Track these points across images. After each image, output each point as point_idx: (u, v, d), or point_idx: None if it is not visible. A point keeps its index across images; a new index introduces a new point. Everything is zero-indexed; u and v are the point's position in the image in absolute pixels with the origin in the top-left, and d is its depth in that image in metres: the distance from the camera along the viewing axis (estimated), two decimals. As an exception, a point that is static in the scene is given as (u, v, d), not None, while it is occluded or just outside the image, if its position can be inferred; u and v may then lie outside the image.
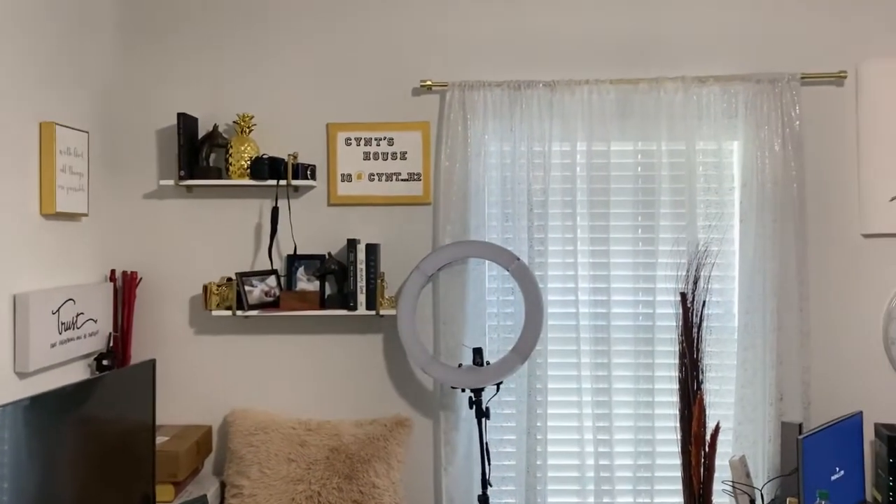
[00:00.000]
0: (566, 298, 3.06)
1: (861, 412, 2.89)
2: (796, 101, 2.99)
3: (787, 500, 2.38)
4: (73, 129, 2.74)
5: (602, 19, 3.09)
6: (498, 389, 2.92)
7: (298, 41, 3.12)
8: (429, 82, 3.05)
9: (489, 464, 2.85)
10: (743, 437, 2.99)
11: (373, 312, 2.96)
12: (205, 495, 2.68)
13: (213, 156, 3.09)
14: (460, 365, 2.95)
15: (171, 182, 3.01)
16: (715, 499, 2.81)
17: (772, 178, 2.98)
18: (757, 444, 2.98)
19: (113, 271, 3.05)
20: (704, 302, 2.85)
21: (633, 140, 3.05)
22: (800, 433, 2.76)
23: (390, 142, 3.09)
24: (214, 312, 2.99)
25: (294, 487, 2.87)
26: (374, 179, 3.10)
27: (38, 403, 2.09)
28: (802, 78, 3.00)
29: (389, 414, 3.07)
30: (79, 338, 2.75)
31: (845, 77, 3.03)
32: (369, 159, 3.10)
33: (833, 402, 3.03)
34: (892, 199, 3.05)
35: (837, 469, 2.72)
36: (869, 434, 2.99)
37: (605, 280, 3.04)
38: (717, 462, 2.76)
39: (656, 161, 3.04)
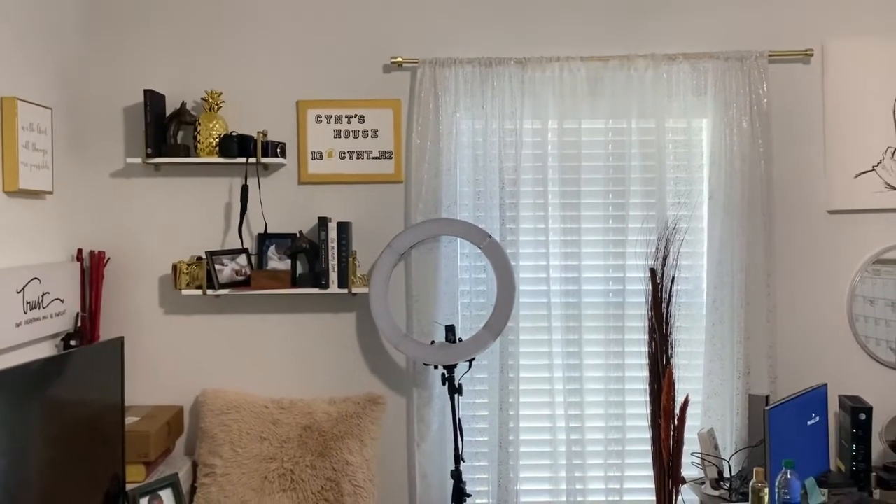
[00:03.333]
0: (538, 276, 3.07)
1: (826, 384, 2.95)
2: (764, 78, 3.02)
3: (755, 469, 2.42)
4: (36, 104, 2.68)
5: (573, -4, 3.09)
6: (470, 366, 2.93)
7: (268, 17, 3.08)
8: (399, 59, 3.04)
9: (462, 439, 2.87)
10: (711, 410, 3.04)
11: (345, 291, 2.96)
12: (175, 474, 2.67)
13: (181, 133, 3.05)
14: (433, 342, 2.95)
15: (138, 160, 2.97)
16: (684, 471, 2.86)
17: (740, 156, 3.01)
18: (725, 416, 3.03)
19: (80, 251, 3.00)
20: (673, 278, 2.88)
21: (603, 118, 3.07)
22: (767, 404, 2.81)
23: (361, 119, 3.07)
24: (184, 292, 2.96)
25: (267, 465, 2.87)
26: (344, 157, 3.08)
27: (1, 380, 2.06)
28: (770, 56, 3.03)
29: (362, 392, 3.07)
30: (45, 318, 2.71)
31: (812, 55, 3.07)
32: (340, 137, 3.08)
33: (799, 376, 3.09)
34: (858, 176, 3.10)
35: (803, 440, 2.78)
36: (833, 406, 3.06)
37: (576, 257, 3.06)
38: (686, 435, 2.80)
39: (627, 139, 3.05)
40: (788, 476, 2.35)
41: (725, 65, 3.02)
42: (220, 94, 3.01)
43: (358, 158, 3.08)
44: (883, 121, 3.08)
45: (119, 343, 2.60)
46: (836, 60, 3.08)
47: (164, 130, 3.00)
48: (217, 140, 2.97)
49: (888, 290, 3.10)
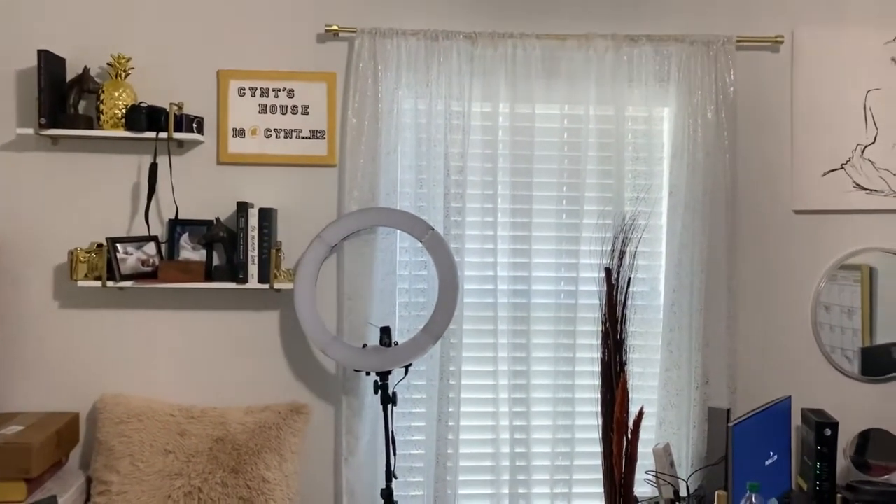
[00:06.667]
0: (484, 274, 2.80)
1: (790, 397, 2.75)
2: (731, 65, 2.80)
3: (717, 493, 2.19)
4: None
5: (529, -32, 2.82)
6: (406, 373, 2.65)
7: (186, -25, 2.73)
8: (335, 27, 2.72)
9: (394, 454, 2.58)
10: (667, 422, 2.82)
11: (266, 286, 2.63)
12: (54, 496, 2.30)
13: (83, 103, 2.68)
14: (365, 345, 2.65)
15: (30, 131, 2.59)
16: (637, 489, 2.64)
17: (703, 148, 2.79)
18: (681, 430, 2.81)
19: (-41, 234, 2.62)
20: (630, 279, 2.65)
21: (559, 103, 2.81)
22: (728, 419, 2.59)
23: (290, 94, 2.75)
24: (81, 283, 2.60)
25: (171, 482, 2.53)
26: (271, 136, 2.75)
27: None
28: (738, 41, 2.82)
29: (285, 400, 2.75)
30: None
31: (781, 42, 2.87)
32: (266, 113, 2.74)
33: (759, 387, 2.89)
34: (825, 174, 2.91)
35: (766, 458, 2.58)
36: (795, 420, 2.86)
37: (526, 254, 2.80)
38: (640, 449, 2.58)
39: (583, 127, 2.80)
40: (753, 501, 2.13)
41: (691, 49, 2.79)
42: (129, 59, 2.65)
43: (286, 137, 2.75)
44: (854, 116, 2.90)
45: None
46: (806, 49, 2.89)
47: (63, 99, 2.63)
48: (123, 111, 2.61)
49: (845, 296, 2.93)
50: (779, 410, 2.66)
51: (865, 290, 2.94)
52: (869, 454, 2.84)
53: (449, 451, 2.74)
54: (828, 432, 2.65)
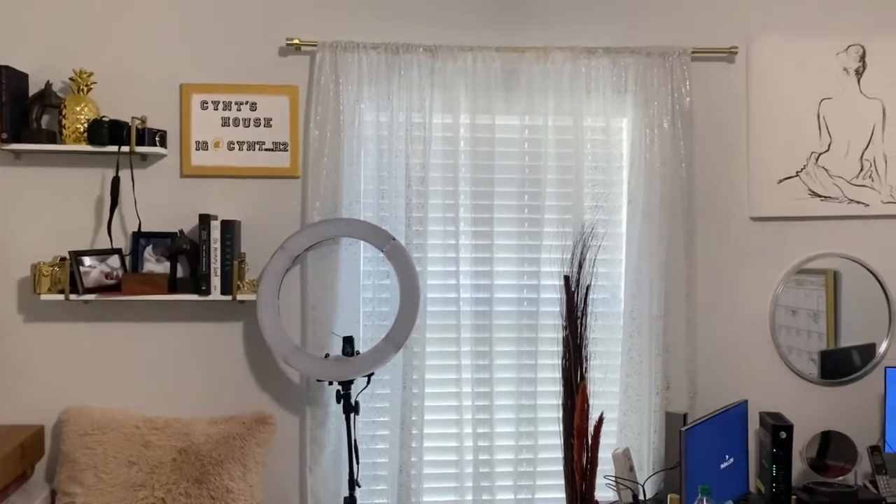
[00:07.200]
0: (446, 282, 2.84)
1: (746, 401, 2.80)
2: (687, 76, 2.86)
3: (669, 496, 2.24)
4: None
5: (488, -18, 2.87)
6: (369, 382, 2.67)
7: (149, -10, 2.76)
8: (296, 41, 2.75)
9: (357, 463, 2.60)
10: (628, 428, 2.86)
11: (229, 297, 2.65)
12: (13, 509, 2.32)
13: (46, 118, 2.70)
14: (327, 355, 2.68)
15: (-8, 146, 2.61)
16: (598, 493, 2.66)
17: (660, 158, 2.84)
18: (642, 435, 2.85)
19: (-79, 248, 2.63)
20: (589, 286, 2.69)
21: (518, 114, 2.86)
22: (684, 423, 2.64)
23: (253, 107, 2.78)
24: (44, 297, 2.61)
25: (134, 494, 2.54)
26: (234, 148, 2.78)
27: None
28: (693, 53, 2.87)
29: (250, 410, 2.77)
30: None
31: (736, 53, 2.93)
32: (229, 125, 2.77)
33: (720, 391, 2.93)
34: (781, 182, 2.97)
35: (722, 462, 2.62)
36: (754, 423, 2.91)
37: (487, 262, 2.84)
38: (601, 455, 2.62)
39: (543, 137, 2.85)
40: (705, 503, 2.18)
41: (647, 61, 2.85)
42: (91, 74, 2.66)
43: (249, 150, 2.78)
44: (808, 124, 2.96)
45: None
46: (760, 60, 2.95)
47: (25, 114, 2.65)
48: (85, 126, 2.63)
49: (811, 300, 2.98)
50: (735, 414, 2.71)
51: (830, 294, 3.00)
52: (827, 456, 2.89)
53: (413, 459, 2.77)
54: (783, 435, 2.70)
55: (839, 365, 3.00)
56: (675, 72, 2.85)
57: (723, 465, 2.61)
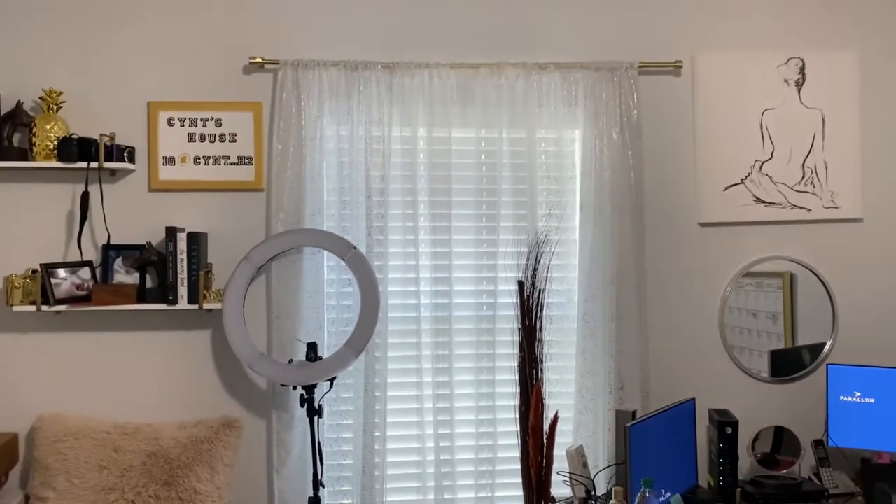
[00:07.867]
0: (407, 289, 2.95)
1: (694, 398, 2.92)
2: (634, 89, 2.99)
3: (613, 489, 2.35)
4: None
5: (441, 1, 2.99)
6: (331, 386, 2.78)
7: (116, 10, 2.86)
8: (259, 59, 2.87)
9: (322, 464, 2.71)
10: (583, 426, 2.97)
11: (195, 306, 2.75)
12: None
13: (17, 136, 2.79)
14: (291, 361, 2.78)
15: (-35, 163, 2.70)
16: (555, 490, 2.77)
17: (610, 167, 2.97)
18: (597, 433, 2.97)
19: None
20: (542, 290, 2.80)
21: (474, 127, 2.98)
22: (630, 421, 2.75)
23: (218, 122, 2.89)
24: (17, 308, 2.70)
25: (106, 497, 2.63)
26: (200, 163, 2.89)
27: None
28: (640, 67, 3.01)
29: (218, 415, 2.87)
30: None
31: (681, 67, 3.06)
32: (195, 141, 2.88)
33: (672, 390, 3.06)
34: (727, 189, 3.11)
35: (669, 456, 2.74)
36: (704, 420, 3.04)
37: (446, 269, 2.96)
38: (557, 453, 2.72)
39: (497, 149, 2.97)
40: (647, 495, 2.29)
41: (596, 75, 2.98)
42: (60, 93, 2.77)
43: (215, 164, 2.89)
44: (751, 134, 3.10)
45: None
46: (705, 73, 3.09)
47: (-3, 132, 2.75)
48: (55, 143, 2.73)
49: (759, 301, 3.11)
50: (682, 411, 2.83)
51: (787, 296, 3.13)
52: (774, 450, 3.02)
53: (376, 461, 2.87)
54: (729, 430, 2.82)
55: (789, 364, 3.13)
56: (623, 85, 2.98)
57: (671, 460, 2.72)
